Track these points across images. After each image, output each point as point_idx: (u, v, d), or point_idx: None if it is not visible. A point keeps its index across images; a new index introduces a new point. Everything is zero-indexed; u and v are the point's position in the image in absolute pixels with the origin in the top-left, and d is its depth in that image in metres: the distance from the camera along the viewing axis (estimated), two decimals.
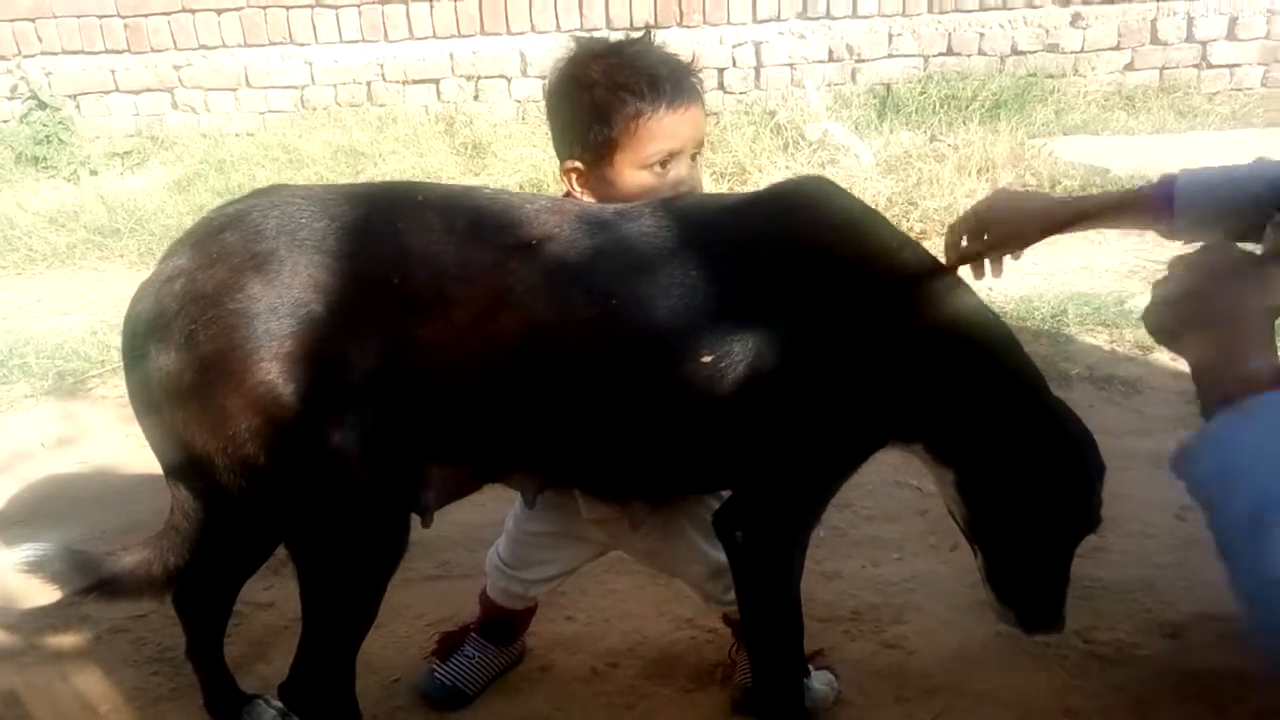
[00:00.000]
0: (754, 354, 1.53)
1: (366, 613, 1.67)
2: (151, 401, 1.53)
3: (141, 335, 1.51)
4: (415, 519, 1.69)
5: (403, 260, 1.50)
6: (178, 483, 1.66)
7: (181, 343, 1.46)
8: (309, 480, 1.52)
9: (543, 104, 1.91)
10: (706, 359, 1.51)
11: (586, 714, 2.07)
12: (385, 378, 1.50)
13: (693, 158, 1.80)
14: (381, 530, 1.59)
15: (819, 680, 2.00)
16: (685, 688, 2.14)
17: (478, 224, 1.54)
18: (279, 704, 2.06)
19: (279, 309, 1.46)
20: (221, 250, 1.49)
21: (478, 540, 2.61)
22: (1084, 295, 3.93)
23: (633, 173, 1.75)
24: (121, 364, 1.61)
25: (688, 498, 1.90)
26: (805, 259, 1.57)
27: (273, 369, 1.46)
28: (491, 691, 2.15)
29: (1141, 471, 2.57)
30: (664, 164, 1.76)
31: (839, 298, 1.57)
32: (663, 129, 1.74)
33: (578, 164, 1.77)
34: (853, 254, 1.60)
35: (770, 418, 1.55)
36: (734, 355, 1.52)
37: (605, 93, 1.72)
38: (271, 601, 2.49)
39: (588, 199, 1.80)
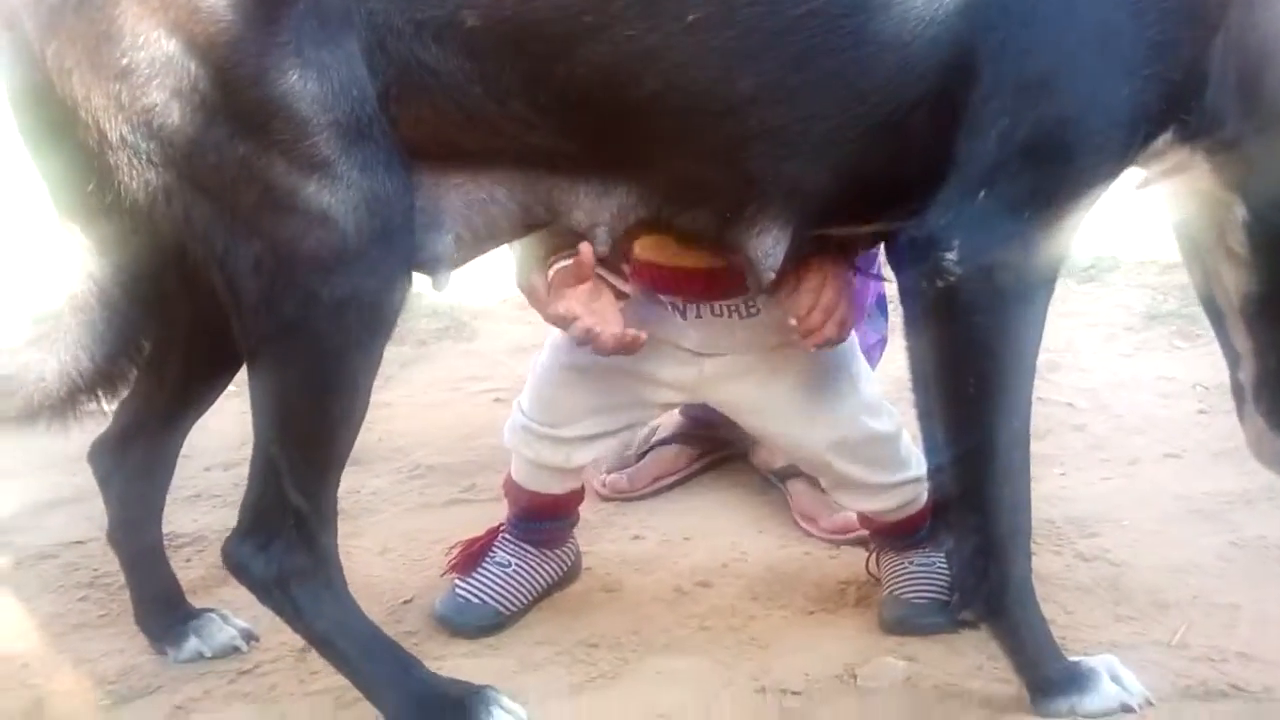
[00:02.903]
0: None
1: (347, 401, 1.09)
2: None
3: None
4: None
5: None
6: (67, 213, 1.10)
7: None
8: (248, 156, 0.98)
9: None
10: None
11: (672, 639, 1.46)
12: None
13: None
14: (367, 257, 1.01)
15: None
16: (807, 609, 1.53)
17: None
18: (241, 623, 1.47)
19: None
20: None
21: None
22: None
23: None
24: None
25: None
26: None
27: None
28: (535, 614, 1.55)
29: None
30: None
31: None
32: None
33: None
34: None
35: (1012, 53, 0.99)
36: None
37: None
38: None
39: None
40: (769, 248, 1.14)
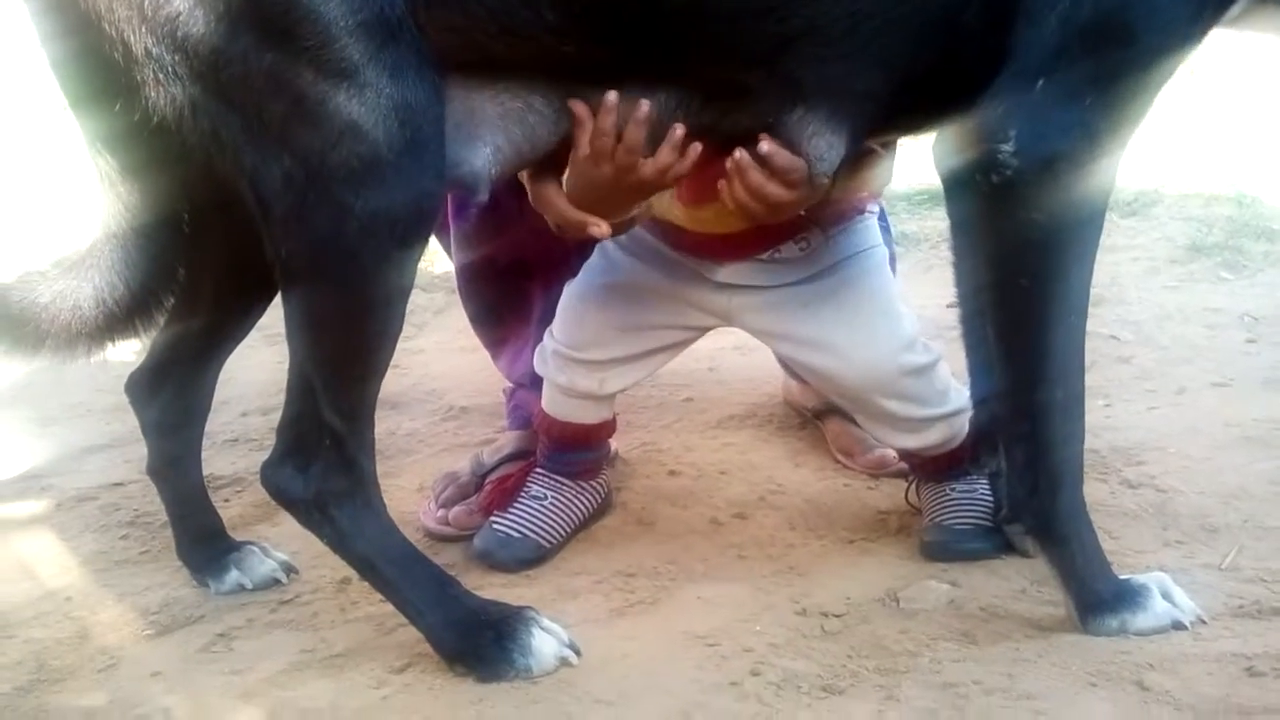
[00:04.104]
0: None
1: (381, 317, 1.07)
2: None
3: None
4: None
5: None
6: (96, 137, 1.09)
7: None
8: (275, 64, 0.96)
9: None
10: None
11: (710, 568, 1.45)
12: None
13: None
14: (399, 168, 0.99)
15: None
16: (846, 538, 1.51)
17: None
18: (281, 555, 1.48)
19: None
20: None
21: None
22: None
23: None
24: None
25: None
26: None
27: None
28: (571, 547, 1.54)
29: None
30: None
31: None
32: None
33: None
34: None
35: None
36: None
37: None
38: None
39: None
40: (823, 152, 1.11)
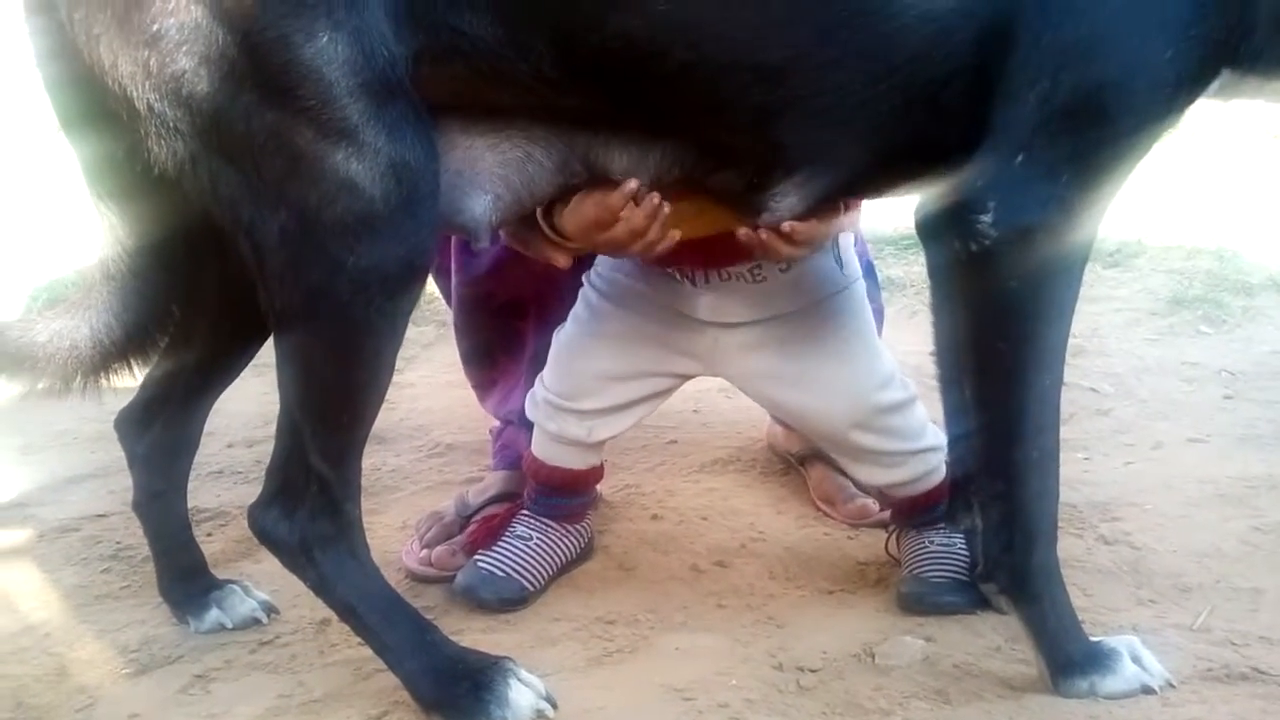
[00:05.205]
0: None
1: (371, 369, 1.09)
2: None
3: None
4: None
5: None
6: (98, 182, 1.11)
7: None
8: (275, 123, 0.98)
9: None
10: None
11: (689, 617, 1.46)
12: None
13: None
14: (393, 225, 1.01)
15: None
16: (825, 589, 1.52)
17: None
18: (262, 595, 1.48)
19: None
20: None
21: None
22: None
23: None
24: None
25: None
26: None
27: None
28: (552, 591, 1.55)
29: None
30: None
31: None
32: None
33: None
34: None
35: (1053, 15, 0.98)
36: None
37: None
38: None
39: None
40: (785, 213, 1.14)
